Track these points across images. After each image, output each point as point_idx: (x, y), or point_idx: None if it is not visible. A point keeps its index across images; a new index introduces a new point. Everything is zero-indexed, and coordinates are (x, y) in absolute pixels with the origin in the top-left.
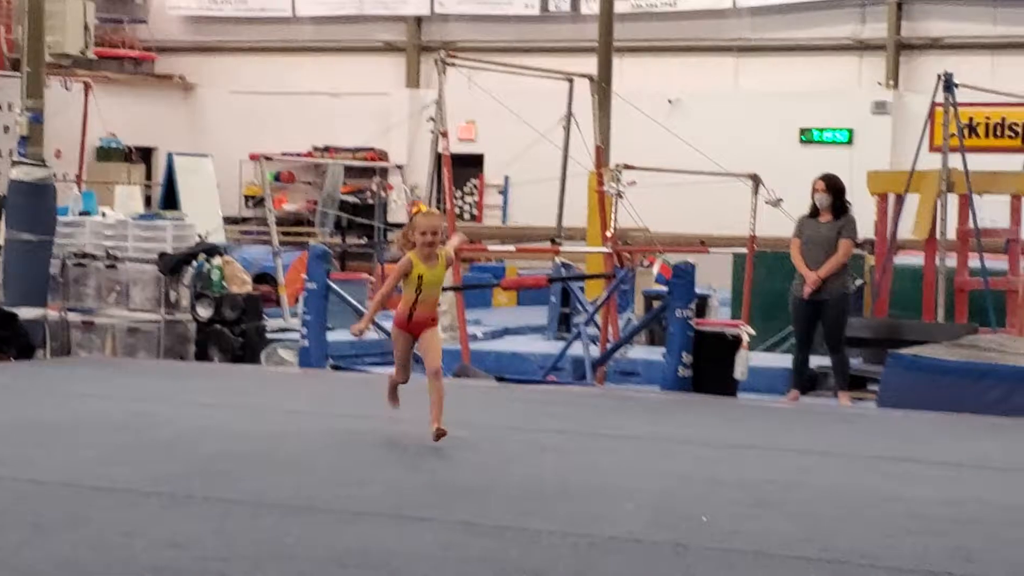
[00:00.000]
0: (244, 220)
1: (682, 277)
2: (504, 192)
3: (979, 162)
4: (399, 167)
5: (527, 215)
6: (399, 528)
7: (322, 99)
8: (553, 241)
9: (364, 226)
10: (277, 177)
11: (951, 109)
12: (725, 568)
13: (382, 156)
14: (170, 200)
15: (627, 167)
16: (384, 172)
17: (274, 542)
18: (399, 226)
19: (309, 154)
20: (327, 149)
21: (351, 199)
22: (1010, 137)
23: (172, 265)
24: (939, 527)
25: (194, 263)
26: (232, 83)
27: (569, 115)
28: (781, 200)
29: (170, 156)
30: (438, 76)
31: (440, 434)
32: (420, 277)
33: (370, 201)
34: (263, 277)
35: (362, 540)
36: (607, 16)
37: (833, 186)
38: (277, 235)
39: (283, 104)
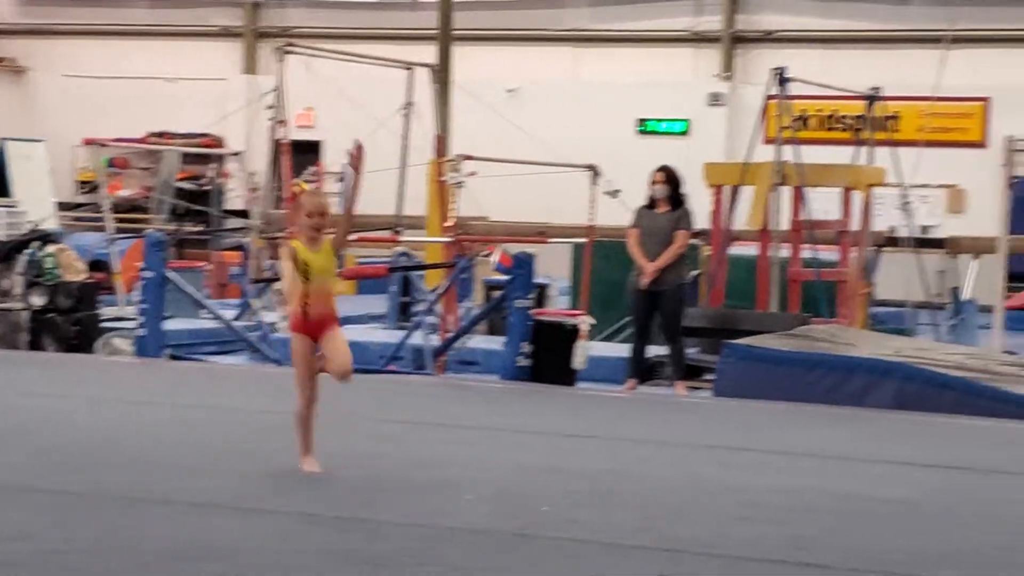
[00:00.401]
0: (78, 206)
1: (522, 267)
2: (343, 179)
3: (812, 154)
4: (237, 154)
5: (365, 203)
6: (239, 519)
7: (158, 84)
8: (394, 230)
9: (200, 213)
10: (111, 163)
11: (784, 102)
12: (566, 557)
13: (219, 143)
14: (1, 186)
15: (467, 157)
16: (221, 159)
17: (115, 534)
18: (237, 213)
19: (144, 140)
20: (163, 135)
21: (188, 186)
22: (840, 129)
23: (4, 253)
24: (775, 515)
25: (27, 251)
26: (66, 67)
27: (409, 104)
28: (619, 191)
29: (1, 142)
30: (278, 65)
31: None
32: (307, 265)
33: (207, 188)
34: (97, 264)
35: (203, 532)
36: (446, 4)
37: (671, 177)
38: (112, 222)
39: (118, 89)
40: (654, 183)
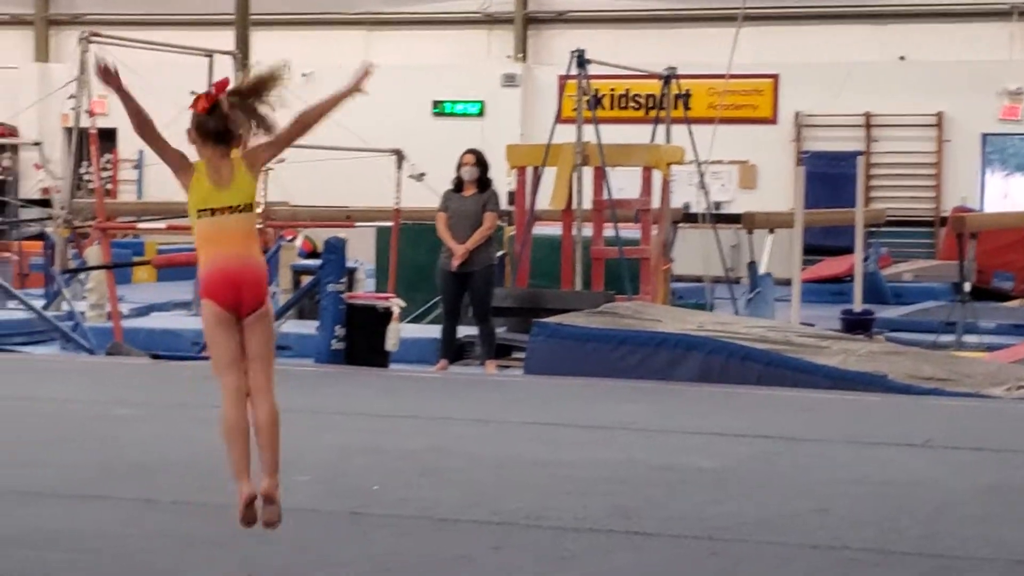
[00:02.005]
0: None
1: (333, 252)
2: (139, 167)
3: (608, 134)
4: (37, 144)
5: (161, 190)
6: (77, 507)
7: None
8: None
9: None
10: None
11: (584, 84)
12: (400, 534)
13: (12, 132)
14: None
15: None
16: (15, 148)
17: None
18: (38, 202)
19: None
20: None
21: None
22: (635, 108)
23: None
24: (597, 487)
25: None
26: None
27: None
28: (424, 174)
29: None
30: (81, 54)
31: (270, 499)
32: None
33: (2, 178)
34: None
35: (40, 520)
36: None
37: (480, 160)
38: None
39: None
40: (464, 165)
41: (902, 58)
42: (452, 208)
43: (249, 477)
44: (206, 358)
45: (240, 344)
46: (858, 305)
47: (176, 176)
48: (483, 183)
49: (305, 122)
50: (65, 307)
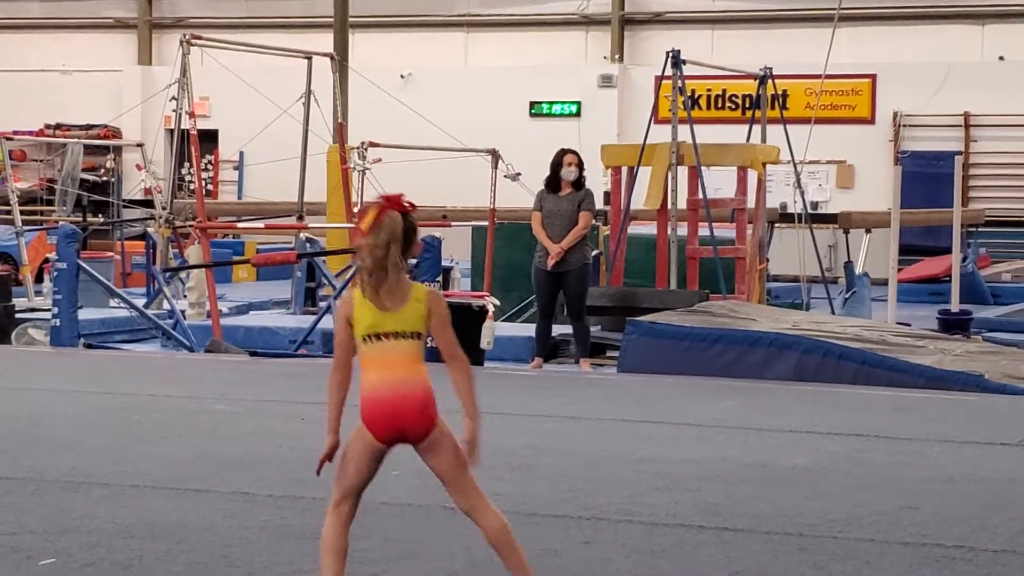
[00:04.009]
0: None
1: (429, 250)
2: (239, 168)
3: (703, 133)
4: (140, 145)
5: (261, 191)
6: (179, 500)
7: (53, 76)
8: (299, 217)
9: (99, 204)
10: (9, 156)
11: (679, 84)
12: None
13: (116, 134)
14: None
15: (372, 144)
16: (119, 150)
17: (60, 516)
18: (140, 203)
19: (41, 132)
20: (59, 127)
21: (88, 177)
22: (731, 108)
23: None
24: (688, 484)
25: None
26: None
27: (309, 92)
28: (519, 174)
29: None
30: (182, 57)
31: None
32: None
33: (106, 179)
34: (2, 257)
35: (145, 512)
36: None
37: (581, 161)
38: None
39: (13, 81)
40: (567, 165)
41: (1001, 58)
42: (547, 207)
43: None
44: (304, 355)
45: (370, 477)
46: (955, 305)
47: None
48: (578, 183)
49: (449, 370)
50: (166, 305)
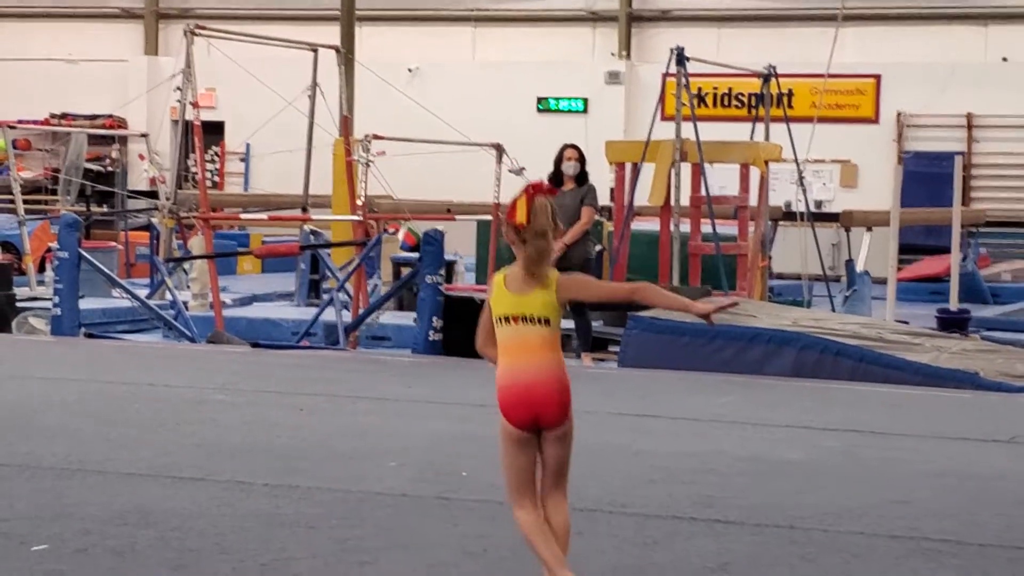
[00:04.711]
0: None
1: (432, 244)
2: (246, 160)
3: (709, 131)
4: (144, 135)
5: (267, 182)
6: (173, 488)
7: (59, 66)
8: (304, 209)
9: (103, 194)
10: (13, 145)
11: (683, 81)
12: (487, 518)
13: (121, 124)
14: None
15: (376, 137)
16: (124, 140)
17: (53, 503)
18: (144, 194)
19: (46, 121)
20: (64, 116)
21: (93, 167)
22: (737, 106)
23: None
24: (683, 476)
25: None
26: None
27: (315, 85)
28: (524, 169)
29: None
30: (187, 47)
31: None
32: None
33: (110, 169)
34: (5, 246)
35: (139, 499)
36: None
37: (581, 155)
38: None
39: (19, 70)
40: (567, 159)
41: (1005, 59)
42: None
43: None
44: (306, 347)
45: (530, 464)
46: (954, 304)
47: None
48: (581, 178)
49: (638, 298)
50: (169, 296)
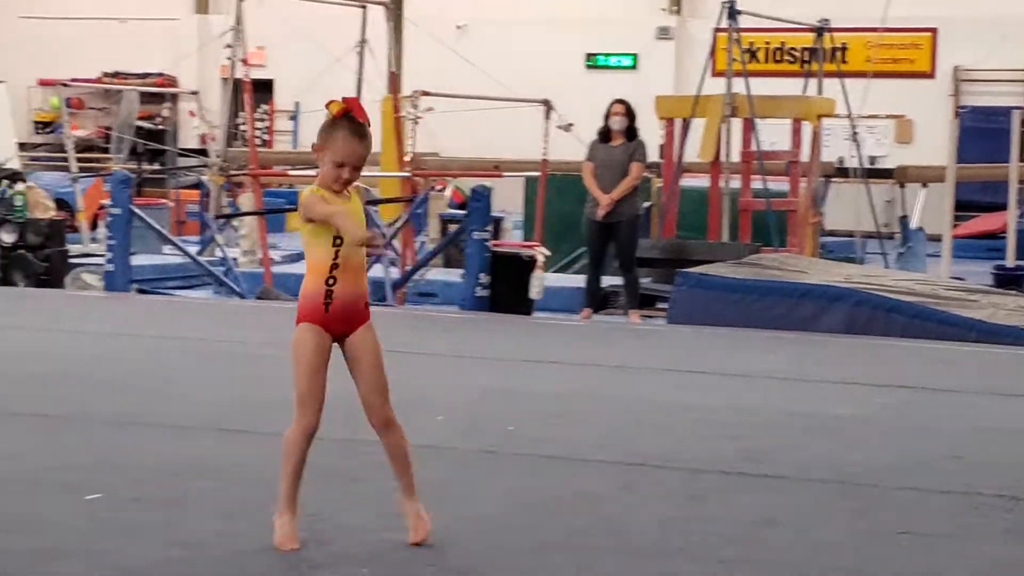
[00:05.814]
0: (35, 146)
1: (479, 200)
2: (295, 118)
3: (761, 86)
4: (194, 93)
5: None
6: (222, 440)
7: (111, 24)
8: None
9: (156, 152)
10: (67, 103)
11: (734, 36)
12: (534, 472)
13: (172, 82)
14: None
15: (425, 93)
16: (175, 98)
17: (106, 453)
18: (195, 152)
19: (98, 80)
20: (116, 75)
21: (144, 125)
22: (789, 62)
23: None
24: (729, 432)
25: None
26: (21, 8)
27: (363, 42)
28: (572, 124)
29: None
30: (237, 5)
31: (420, 527)
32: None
33: (162, 127)
34: (59, 203)
35: (189, 451)
36: None
37: (629, 110)
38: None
39: (72, 29)
40: (614, 114)
41: None
42: (599, 158)
43: None
44: None
45: None
46: (1011, 261)
47: None
48: (631, 133)
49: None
50: (218, 253)
